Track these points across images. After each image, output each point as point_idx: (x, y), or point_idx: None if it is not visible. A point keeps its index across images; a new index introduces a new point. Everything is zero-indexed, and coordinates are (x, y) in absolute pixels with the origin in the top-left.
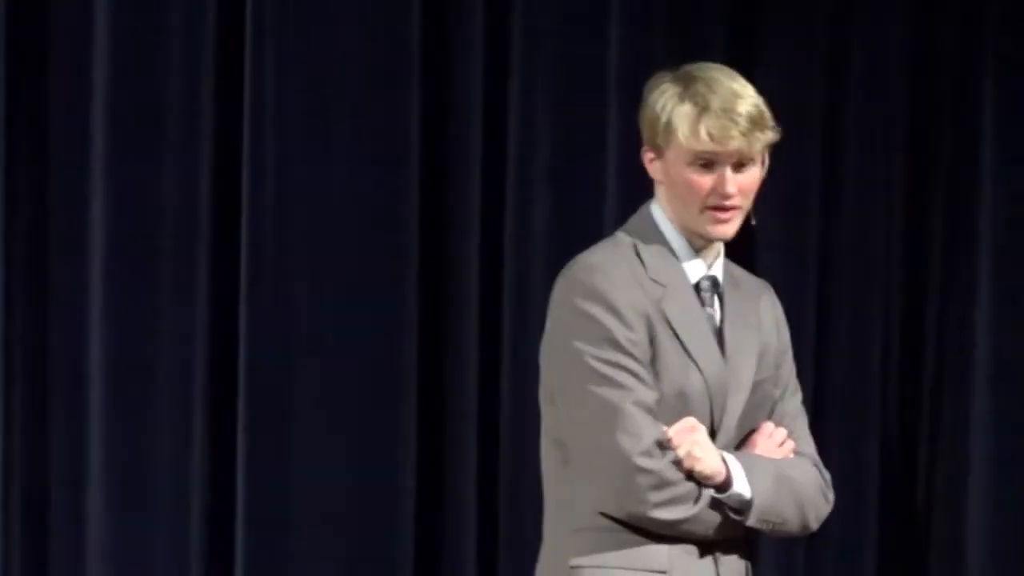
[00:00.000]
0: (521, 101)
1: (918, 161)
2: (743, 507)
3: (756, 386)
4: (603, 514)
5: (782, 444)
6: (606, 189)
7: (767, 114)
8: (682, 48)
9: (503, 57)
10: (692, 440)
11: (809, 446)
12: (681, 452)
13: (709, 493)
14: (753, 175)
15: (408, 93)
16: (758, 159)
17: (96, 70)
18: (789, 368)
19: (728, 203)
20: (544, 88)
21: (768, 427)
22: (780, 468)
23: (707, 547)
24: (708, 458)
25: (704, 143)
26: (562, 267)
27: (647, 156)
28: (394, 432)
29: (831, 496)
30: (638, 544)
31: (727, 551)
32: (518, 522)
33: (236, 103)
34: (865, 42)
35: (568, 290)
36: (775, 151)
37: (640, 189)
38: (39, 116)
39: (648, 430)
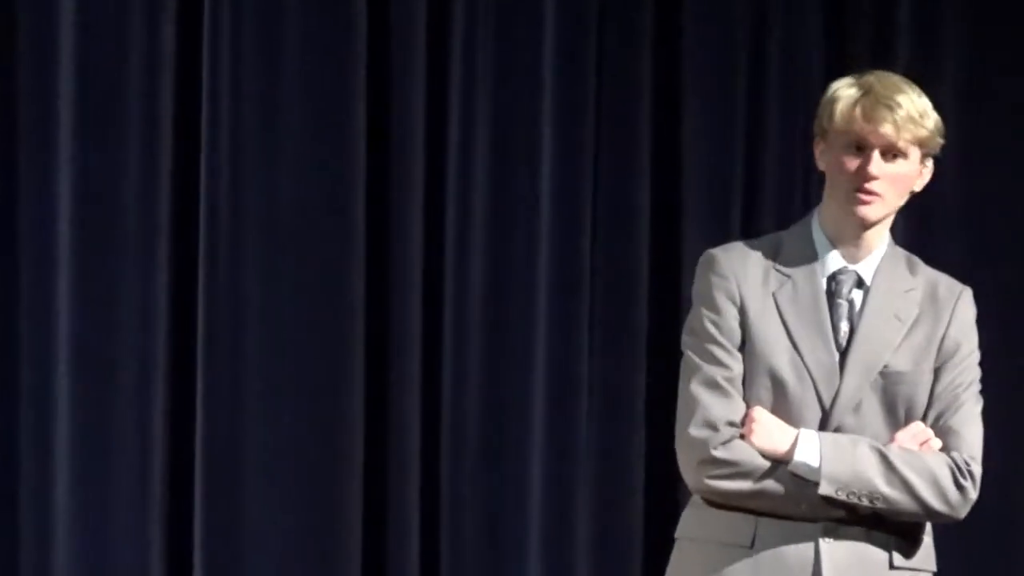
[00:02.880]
0: (461, 100)
1: None
2: (811, 475)
3: (887, 375)
4: None
5: (923, 443)
6: (540, 193)
7: (929, 115)
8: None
9: (444, 59)
10: (752, 419)
11: (965, 447)
12: (745, 430)
13: (783, 468)
14: (902, 168)
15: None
16: (911, 154)
17: (63, 65)
18: (957, 372)
19: (870, 186)
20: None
21: (915, 426)
22: (875, 446)
23: (810, 530)
24: (763, 433)
25: (857, 123)
26: (500, 254)
27: (816, 148)
28: (342, 405)
29: (966, 483)
30: (726, 519)
31: (839, 537)
32: (459, 493)
33: (194, 100)
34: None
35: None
36: None
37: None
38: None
39: (711, 409)
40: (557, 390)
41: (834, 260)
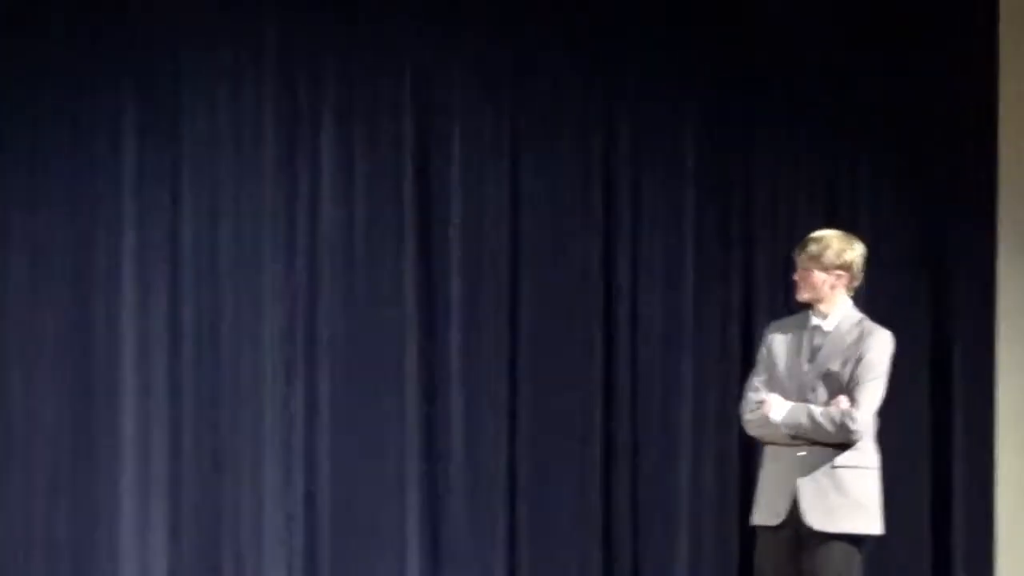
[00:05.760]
0: None
1: None
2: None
3: (828, 375)
4: None
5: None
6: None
7: (816, 249)
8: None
9: None
10: (765, 400)
11: (857, 405)
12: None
13: (770, 418)
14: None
15: None
16: (805, 266)
17: None
18: (861, 370)
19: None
20: None
21: (840, 398)
22: (808, 407)
23: (793, 449)
24: (766, 405)
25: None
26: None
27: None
28: None
29: (845, 421)
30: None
31: (806, 451)
32: None
33: None
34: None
35: None
36: None
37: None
38: None
39: (749, 392)
40: None
41: (813, 319)
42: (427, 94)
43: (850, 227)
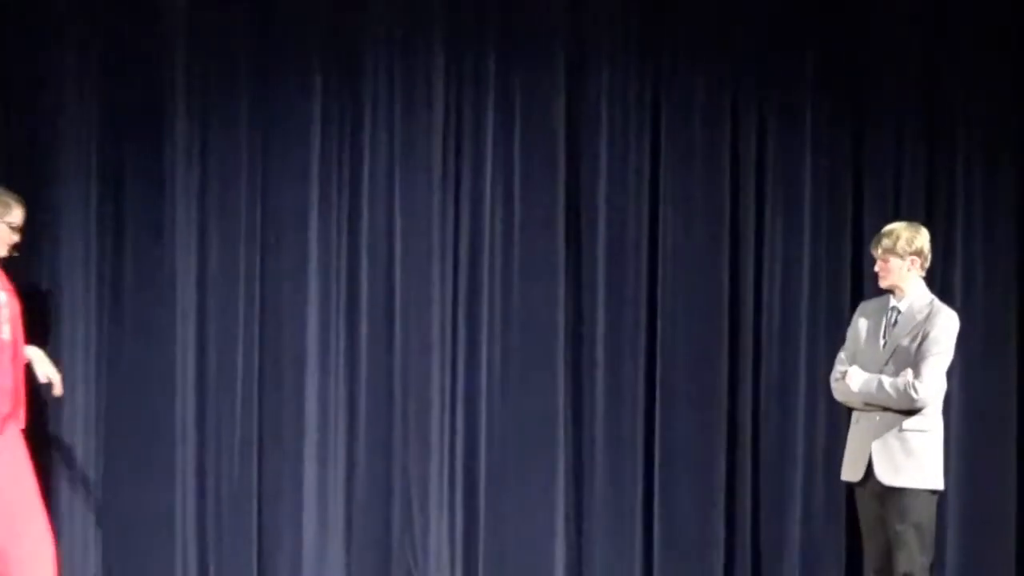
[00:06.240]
0: None
1: None
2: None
3: (899, 349)
4: None
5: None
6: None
7: (889, 242)
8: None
9: None
10: (847, 371)
11: (920, 377)
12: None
13: (850, 387)
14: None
15: None
16: (883, 257)
17: None
18: (926, 345)
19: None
20: None
21: (906, 371)
22: (880, 377)
23: (867, 415)
24: (848, 375)
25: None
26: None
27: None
28: None
29: (908, 391)
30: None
31: (880, 415)
32: None
33: None
34: None
35: None
36: None
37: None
38: None
39: (836, 364)
40: None
41: (893, 301)
42: (578, 108)
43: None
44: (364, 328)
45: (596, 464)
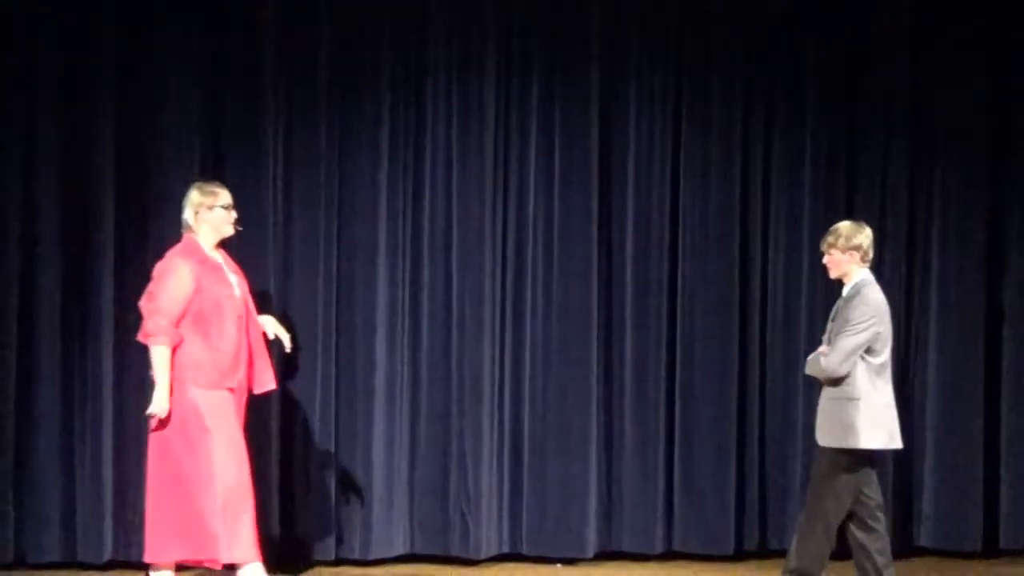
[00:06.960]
0: None
1: None
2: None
3: (832, 330)
4: None
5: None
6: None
7: (832, 238)
8: None
9: None
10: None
11: (829, 352)
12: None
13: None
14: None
15: None
16: (828, 251)
17: None
18: (840, 325)
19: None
20: None
21: (821, 347)
22: (815, 354)
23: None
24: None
25: None
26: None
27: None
28: None
29: (818, 362)
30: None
31: (823, 389)
32: None
33: None
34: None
35: None
36: None
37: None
38: None
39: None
40: None
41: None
42: (609, 129)
43: None
44: (425, 309)
45: (625, 428)
